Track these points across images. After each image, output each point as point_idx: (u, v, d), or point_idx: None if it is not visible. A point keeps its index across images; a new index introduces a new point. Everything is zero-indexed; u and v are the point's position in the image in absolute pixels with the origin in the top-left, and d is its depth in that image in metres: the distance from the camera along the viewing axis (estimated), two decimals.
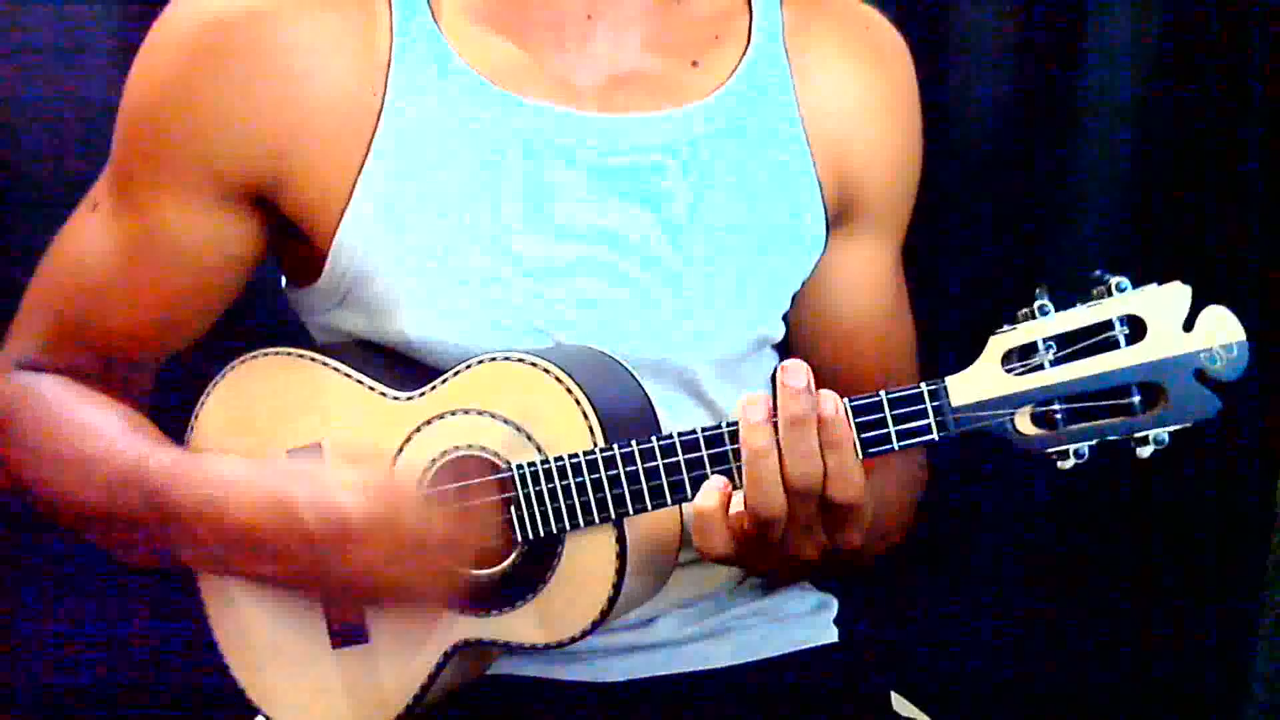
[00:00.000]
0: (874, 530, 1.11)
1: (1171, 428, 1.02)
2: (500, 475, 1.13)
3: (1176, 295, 1.01)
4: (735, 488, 1.07)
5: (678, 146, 1.23)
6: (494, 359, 1.14)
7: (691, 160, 1.23)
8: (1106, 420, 1.03)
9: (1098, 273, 1.02)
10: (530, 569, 1.14)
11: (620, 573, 1.12)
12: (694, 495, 1.08)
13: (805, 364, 1.05)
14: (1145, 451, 1.03)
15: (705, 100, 1.24)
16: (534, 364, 1.13)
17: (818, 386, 1.05)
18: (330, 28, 1.18)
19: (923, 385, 1.05)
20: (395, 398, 1.17)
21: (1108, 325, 1.01)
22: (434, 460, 1.15)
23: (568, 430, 1.12)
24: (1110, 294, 1.01)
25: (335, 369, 1.20)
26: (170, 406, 1.26)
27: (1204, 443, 1.03)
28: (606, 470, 1.10)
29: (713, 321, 1.24)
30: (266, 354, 1.22)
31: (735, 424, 1.06)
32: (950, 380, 1.05)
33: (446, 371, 1.16)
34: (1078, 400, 1.03)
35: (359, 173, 1.18)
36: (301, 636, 1.21)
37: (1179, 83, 1.71)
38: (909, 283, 1.38)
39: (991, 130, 1.77)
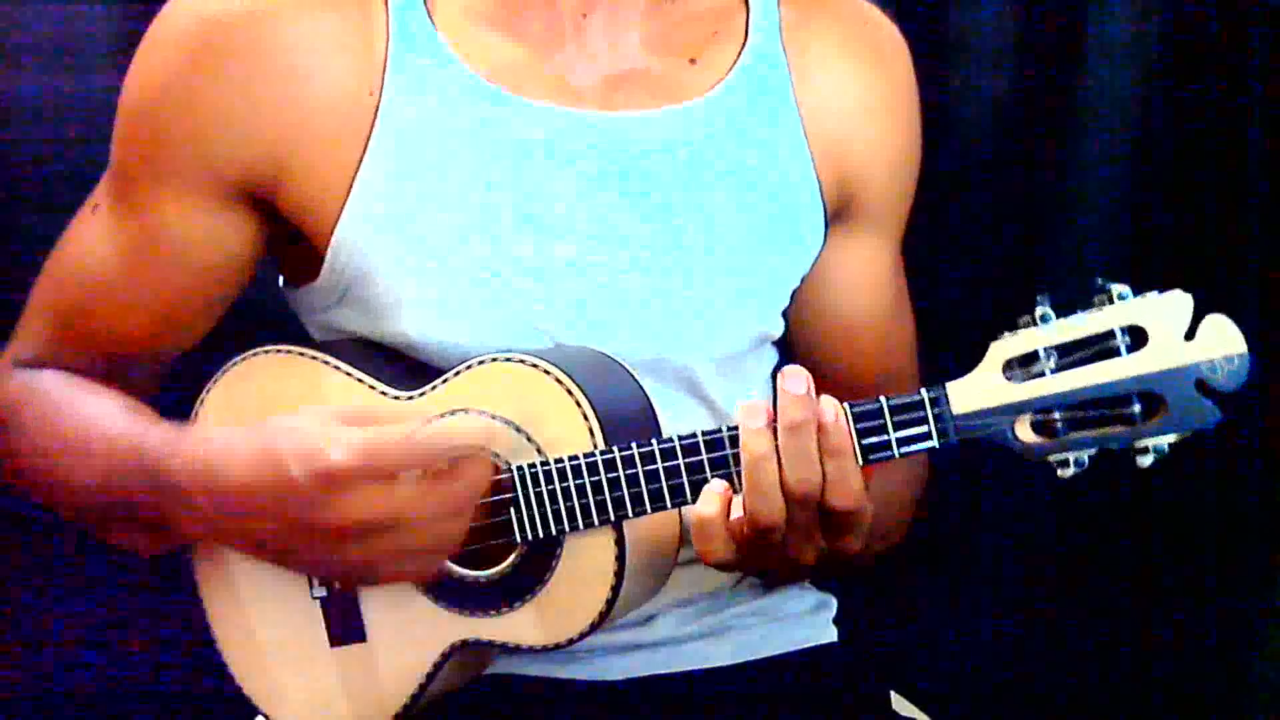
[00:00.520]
0: (874, 530, 1.10)
1: (1171, 438, 1.01)
2: (500, 476, 1.13)
3: (1178, 304, 1.00)
4: (735, 491, 1.07)
5: (676, 145, 1.23)
6: (494, 359, 1.14)
7: (690, 158, 1.23)
8: (1107, 429, 1.02)
9: (1099, 280, 1.01)
10: (529, 570, 1.14)
11: (619, 574, 1.12)
12: (694, 498, 1.08)
13: (805, 370, 1.05)
14: (1145, 460, 1.02)
15: (703, 98, 1.24)
16: (535, 365, 1.12)
17: (818, 384, 1.05)
18: (328, 27, 1.18)
19: (924, 392, 1.04)
20: (395, 396, 1.17)
21: (1109, 334, 1.00)
22: None
23: (568, 432, 1.12)
24: (1111, 302, 1.01)
25: (335, 367, 1.19)
26: (170, 405, 1.26)
27: (1205, 443, 1.03)
28: (606, 473, 1.10)
29: (712, 319, 1.24)
30: (267, 351, 1.21)
31: (735, 427, 1.06)
32: (951, 387, 1.04)
33: (447, 371, 1.16)
34: (1078, 409, 1.02)
35: (356, 172, 1.18)
36: (300, 635, 1.21)
37: (1179, 83, 1.71)
38: (909, 283, 1.38)
39: (991, 130, 1.77)
